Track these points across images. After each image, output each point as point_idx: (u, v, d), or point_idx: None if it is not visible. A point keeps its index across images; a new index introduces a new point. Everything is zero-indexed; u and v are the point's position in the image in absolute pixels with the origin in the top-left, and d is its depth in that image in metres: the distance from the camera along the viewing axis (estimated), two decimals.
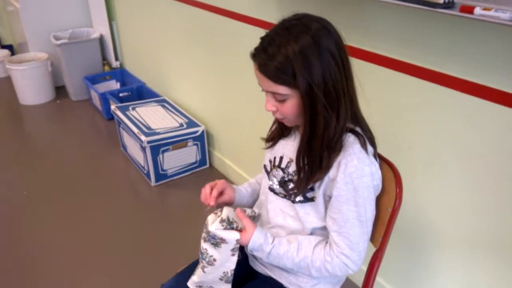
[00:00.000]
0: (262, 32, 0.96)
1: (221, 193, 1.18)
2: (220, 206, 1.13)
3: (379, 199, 1.04)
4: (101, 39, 3.75)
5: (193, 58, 2.62)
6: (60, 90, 3.88)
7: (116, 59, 3.81)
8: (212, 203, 1.13)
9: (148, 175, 2.58)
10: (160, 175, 2.58)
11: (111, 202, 2.47)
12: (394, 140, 1.47)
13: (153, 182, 2.57)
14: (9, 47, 4.44)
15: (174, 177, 2.63)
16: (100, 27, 3.74)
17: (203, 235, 1.06)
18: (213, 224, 1.03)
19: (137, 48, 3.45)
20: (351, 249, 0.99)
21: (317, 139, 0.96)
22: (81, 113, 3.57)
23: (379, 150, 1.06)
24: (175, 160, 2.59)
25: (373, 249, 1.10)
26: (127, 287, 1.89)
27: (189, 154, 2.63)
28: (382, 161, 1.07)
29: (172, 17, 2.70)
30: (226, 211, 1.06)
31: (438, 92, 1.27)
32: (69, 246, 2.14)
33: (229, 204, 1.20)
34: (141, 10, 3.12)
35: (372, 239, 1.08)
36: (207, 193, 1.15)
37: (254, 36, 0.98)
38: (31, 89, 3.65)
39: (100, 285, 1.91)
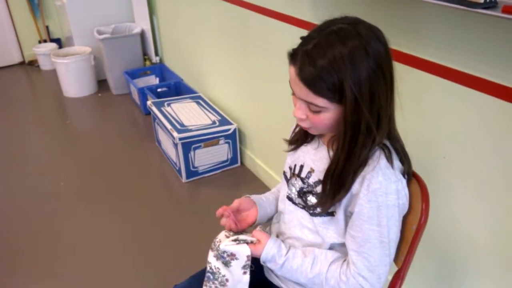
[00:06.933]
0: (296, 30, 0.90)
1: (238, 211, 1.13)
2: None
3: (403, 216, 0.96)
4: (142, 34, 3.80)
5: (228, 55, 2.59)
6: (102, 84, 3.98)
7: (156, 54, 3.85)
8: (232, 226, 1.07)
9: (179, 171, 2.59)
10: (191, 172, 2.57)
11: (142, 196, 2.49)
12: (429, 148, 1.37)
13: (184, 179, 2.57)
14: (57, 41, 4.60)
15: (205, 175, 2.62)
16: (142, 22, 3.79)
17: (215, 252, 1.02)
18: (224, 241, 0.99)
19: (176, 44, 3.47)
20: (369, 270, 0.91)
21: (352, 161, 0.88)
22: (120, 107, 3.64)
23: (413, 158, 0.98)
24: (207, 158, 2.58)
25: (396, 268, 1.03)
26: (149, 281, 1.90)
27: (220, 152, 2.61)
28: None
29: (209, 14, 2.69)
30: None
31: (477, 99, 1.17)
32: (98, 236, 2.18)
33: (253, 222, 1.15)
34: (180, 6, 3.13)
35: (395, 257, 1.00)
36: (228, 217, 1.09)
37: (288, 34, 0.92)
38: (74, 82, 3.77)
39: (122, 276, 1.93)
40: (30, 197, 2.51)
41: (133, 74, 3.63)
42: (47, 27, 4.57)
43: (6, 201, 2.50)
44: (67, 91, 3.82)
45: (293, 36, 0.90)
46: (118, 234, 2.20)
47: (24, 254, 2.09)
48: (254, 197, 1.18)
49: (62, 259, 2.05)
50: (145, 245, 2.12)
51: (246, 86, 2.49)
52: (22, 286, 1.93)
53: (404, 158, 0.95)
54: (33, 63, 4.57)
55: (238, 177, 2.64)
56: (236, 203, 1.13)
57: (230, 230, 1.08)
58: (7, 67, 4.54)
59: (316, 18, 1.58)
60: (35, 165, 2.86)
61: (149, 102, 2.87)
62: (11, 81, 4.26)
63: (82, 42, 3.85)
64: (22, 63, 4.62)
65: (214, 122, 2.60)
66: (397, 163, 0.92)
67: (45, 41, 4.59)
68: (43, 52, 4.34)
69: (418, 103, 1.37)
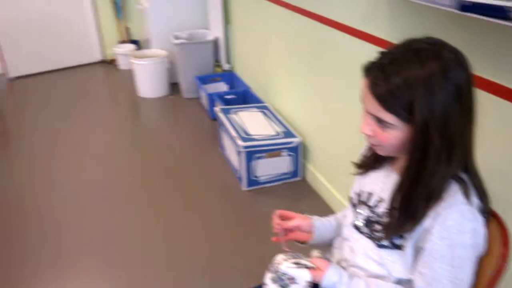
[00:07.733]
0: (370, 47, 0.88)
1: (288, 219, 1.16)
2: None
3: (479, 258, 0.89)
4: (215, 42, 3.89)
5: (297, 68, 2.58)
6: (174, 87, 4.11)
7: (228, 62, 3.93)
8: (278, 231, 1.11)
9: (240, 179, 2.61)
10: (252, 181, 2.58)
11: (201, 200, 2.54)
12: (509, 187, 1.27)
13: (244, 187, 2.59)
14: (136, 42, 4.84)
15: (265, 185, 2.62)
16: (216, 30, 3.89)
17: (273, 275, 1.01)
18: (284, 263, 0.98)
19: (247, 53, 3.52)
20: None
21: (418, 188, 0.85)
22: (190, 110, 3.75)
23: (493, 196, 0.91)
24: (268, 168, 2.58)
25: None
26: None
27: (282, 164, 2.60)
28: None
29: (281, 25, 2.70)
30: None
31: None
32: (154, 236, 2.24)
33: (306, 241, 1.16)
34: (254, 17, 3.17)
35: None
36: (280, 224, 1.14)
37: (362, 51, 0.90)
38: (149, 83, 3.94)
39: (174, 280, 1.96)
40: (95, 190, 2.64)
41: (204, 80, 3.73)
42: (127, 29, 4.82)
43: (71, 192, 2.64)
44: (142, 91, 4.00)
45: (368, 53, 0.88)
46: (174, 236, 2.25)
47: (83, 244, 2.20)
48: (316, 220, 1.16)
49: (117, 254, 2.13)
50: (199, 250, 2.15)
51: (314, 100, 2.46)
52: (80, 274, 2.03)
53: (483, 195, 0.89)
54: (112, 62, 4.83)
55: (298, 191, 2.61)
56: (295, 223, 1.14)
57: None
58: (88, 65, 4.84)
59: (393, 37, 1.53)
60: (104, 158, 3.01)
61: (217, 108, 2.93)
62: (91, 78, 4.55)
63: (158, 45, 4.03)
64: (102, 62, 4.91)
65: (278, 134, 2.60)
66: (474, 199, 0.87)
67: (124, 42, 4.84)
68: (122, 52, 4.58)
69: (502, 136, 1.28)
